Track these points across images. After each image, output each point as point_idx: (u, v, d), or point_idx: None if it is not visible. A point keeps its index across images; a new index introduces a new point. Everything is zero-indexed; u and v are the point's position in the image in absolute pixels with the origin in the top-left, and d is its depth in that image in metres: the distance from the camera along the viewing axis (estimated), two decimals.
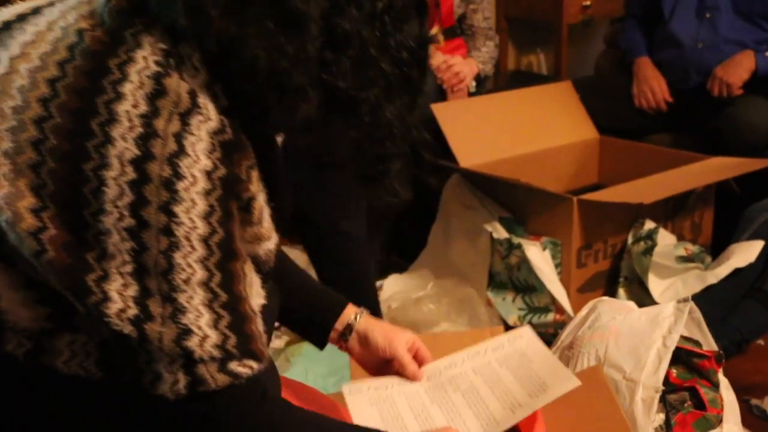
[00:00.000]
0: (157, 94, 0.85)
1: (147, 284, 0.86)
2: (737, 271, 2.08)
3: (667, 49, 2.80)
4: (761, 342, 2.15)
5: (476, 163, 2.45)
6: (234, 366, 0.90)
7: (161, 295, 0.86)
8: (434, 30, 2.90)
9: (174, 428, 0.95)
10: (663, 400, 1.41)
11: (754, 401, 1.88)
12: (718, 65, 2.64)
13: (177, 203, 0.84)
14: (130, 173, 0.83)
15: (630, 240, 2.24)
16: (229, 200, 0.88)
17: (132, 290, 0.85)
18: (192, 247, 0.86)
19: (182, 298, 0.87)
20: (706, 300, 2.02)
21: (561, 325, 2.01)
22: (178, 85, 0.86)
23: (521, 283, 2.19)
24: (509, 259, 2.19)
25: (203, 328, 0.88)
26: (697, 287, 2.08)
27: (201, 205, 0.86)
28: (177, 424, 0.94)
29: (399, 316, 2.17)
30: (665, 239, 2.24)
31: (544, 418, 1.23)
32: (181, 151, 0.84)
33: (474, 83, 2.81)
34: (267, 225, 0.97)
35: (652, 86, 2.76)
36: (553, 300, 2.13)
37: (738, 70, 2.61)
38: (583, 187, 2.64)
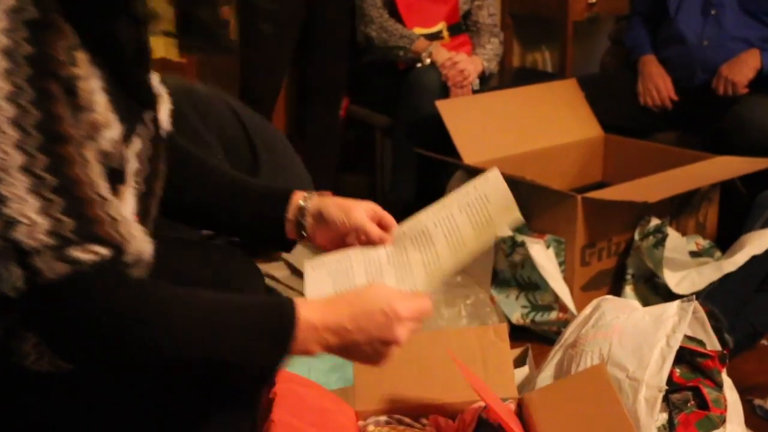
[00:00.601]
0: None
1: None
2: (750, 265, 2.07)
3: (672, 46, 2.79)
4: (765, 342, 2.14)
5: (480, 159, 2.45)
6: (74, 252, 0.86)
7: None
8: (439, 26, 2.90)
9: (28, 328, 0.93)
10: (666, 399, 1.40)
11: (758, 401, 1.87)
12: (724, 64, 2.63)
13: None
14: None
15: (637, 237, 2.23)
16: (43, 80, 0.87)
17: None
18: (2, 131, 0.85)
19: (2, 189, 0.84)
20: (719, 294, 2.03)
21: (564, 324, 2.00)
22: None
23: (525, 280, 2.18)
24: (513, 257, 2.18)
25: (30, 215, 0.85)
26: (714, 276, 2.08)
27: (5, 87, 0.85)
28: (28, 322, 0.92)
29: None
30: (671, 237, 2.23)
31: (547, 416, 1.22)
32: None
33: (477, 80, 2.81)
34: (102, 111, 0.94)
35: (658, 84, 2.75)
36: (557, 298, 2.12)
37: (743, 68, 2.60)
38: (587, 185, 2.63)
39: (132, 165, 1.05)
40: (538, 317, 2.15)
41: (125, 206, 1.00)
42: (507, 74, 3.68)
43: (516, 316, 2.17)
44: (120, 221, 0.91)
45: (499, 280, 2.24)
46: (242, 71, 2.95)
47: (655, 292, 2.20)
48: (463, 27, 2.96)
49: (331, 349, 1.01)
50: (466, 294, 2.14)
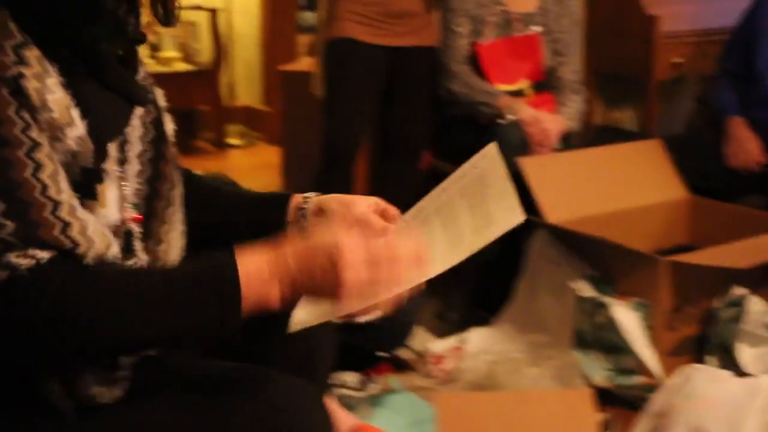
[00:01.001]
0: None
1: None
2: None
3: (760, 107, 2.75)
4: None
5: (563, 218, 2.43)
6: (11, 257, 0.85)
7: None
8: (522, 83, 2.91)
9: None
10: None
11: None
12: None
13: None
14: None
15: (719, 305, 2.18)
16: None
17: None
18: None
19: None
20: None
21: (649, 389, 1.96)
22: None
23: (608, 343, 2.15)
24: (596, 319, 2.16)
25: None
26: None
27: None
28: None
29: (500, 373, 2.14)
30: (756, 306, 2.17)
31: None
32: None
33: (560, 139, 2.80)
34: (60, 109, 0.93)
35: (746, 147, 2.71)
36: (641, 362, 2.08)
37: None
38: (672, 247, 2.59)
39: (133, 167, 1.06)
40: (622, 381, 2.11)
41: (106, 207, 0.99)
42: (589, 132, 3.66)
43: (598, 379, 2.13)
44: (72, 224, 0.90)
45: (581, 341, 2.21)
46: (325, 125, 2.99)
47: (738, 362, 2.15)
48: (546, 84, 2.97)
49: (285, 296, 0.97)
50: (549, 354, 2.12)
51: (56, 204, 0.89)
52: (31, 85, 0.89)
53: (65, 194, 0.92)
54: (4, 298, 0.85)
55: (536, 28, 2.92)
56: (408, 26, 2.90)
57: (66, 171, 0.94)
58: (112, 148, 1.04)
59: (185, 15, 5.54)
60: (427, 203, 1.23)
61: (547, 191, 2.49)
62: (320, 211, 1.23)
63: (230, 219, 1.26)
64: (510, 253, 2.71)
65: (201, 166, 4.47)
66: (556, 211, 2.45)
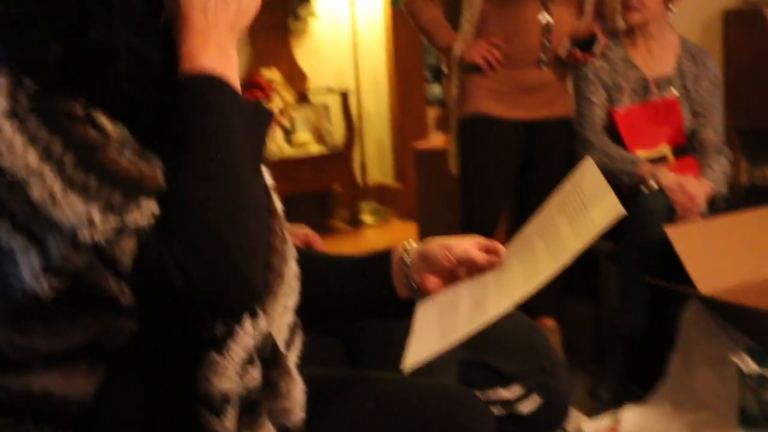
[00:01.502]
0: None
1: (36, 235, 0.88)
2: None
3: None
4: None
5: (716, 288, 2.32)
6: (130, 221, 0.88)
7: (48, 230, 0.88)
8: (663, 148, 2.83)
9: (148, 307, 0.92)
10: None
11: None
12: None
13: None
14: None
15: None
16: (54, 119, 0.90)
17: (33, 252, 0.88)
18: (38, 173, 0.87)
19: (55, 214, 0.87)
20: None
21: None
22: None
23: None
24: (762, 395, 2.03)
25: (79, 212, 0.87)
26: None
27: (19, 139, 0.88)
28: (133, 305, 0.91)
29: None
30: None
31: None
32: None
33: (706, 204, 2.70)
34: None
35: None
36: None
37: None
38: None
39: None
40: None
41: None
42: (736, 194, 3.52)
43: None
44: (145, 167, 0.92)
45: (747, 419, 2.08)
46: (462, 200, 2.99)
47: None
48: (688, 148, 2.88)
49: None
50: None
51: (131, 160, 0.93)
52: (105, 124, 0.93)
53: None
54: (149, 261, 0.89)
55: (674, 91, 2.85)
56: (541, 98, 2.89)
57: None
58: None
59: (317, 99, 5.76)
60: (528, 228, 1.24)
61: (697, 260, 2.39)
62: (422, 257, 1.23)
63: (336, 284, 1.26)
64: (660, 324, 2.61)
65: (336, 246, 4.54)
66: (708, 280, 2.34)
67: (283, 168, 4.64)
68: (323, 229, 4.95)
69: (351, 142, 5.20)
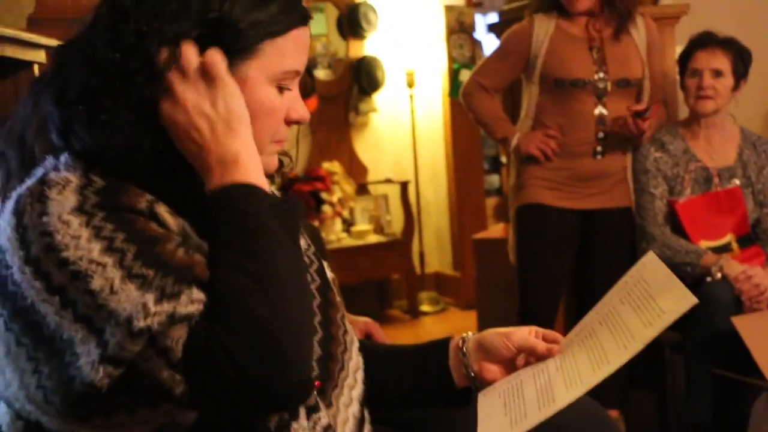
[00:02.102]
0: (15, 204, 0.98)
1: (96, 326, 0.91)
2: None
3: None
4: None
5: None
6: (182, 308, 0.91)
7: (106, 319, 0.90)
8: (727, 238, 2.80)
9: (196, 394, 0.93)
10: None
11: None
12: None
13: (64, 251, 0.92)
14: (29, 270, 0.93)
15: None
16: (119, 214, 0.95)
17: (93, 342, 0.90)
18: (100, 264, 0.92)
19: (113, 303, 0.90)
20: None
21: None
22: (28, 185, 0.99)
23: None
24: None
25: (135, 300, 0.90)
26: None
27: (86, 234, 0.93)
28: (184, 391, 0.92)
29: None
30: None
31: None
32: (45, 214, 0.94)
33: None
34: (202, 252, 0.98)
35: None
36: None
37: None
38: None
39: None
40: None
41: None
42: None
43: None
44: (197, 262, 0.96)
45: None
46: (520, 290, 2.97)
47: None
48: (753, 237, 2.84)
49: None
50: None
51: (186, 255, 0.96)
52: (166, 219, 0.99)
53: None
54: (196, 348, 0.91)
55: (737, 181, 2.83)
56: (599, 188, 2.89)
57: None
58: None
59: (376, 189, 5.82)
60: (589, 319, 1.23)
61: (766, 350, 2.33)
62: (480, 346, 1.24)
63: (395, 375, 1.27)
64: (729, 417, 2.53)
65: (395, 335, 4.52)
66: None
67: (343, 258, 4.67)
68: (382, 318, 4.94)
69: (410, 231, 5.23)
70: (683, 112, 3.06)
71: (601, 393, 3.15)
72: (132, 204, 0.97)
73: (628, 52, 2.85)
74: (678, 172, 2.84)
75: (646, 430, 3.01)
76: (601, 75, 2.82)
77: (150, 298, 0.90)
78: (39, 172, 1.03)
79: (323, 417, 1.07)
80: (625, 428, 2.93)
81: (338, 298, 1.22)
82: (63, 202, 0.95)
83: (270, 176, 1.19)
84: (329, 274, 1.25)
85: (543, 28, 2.87)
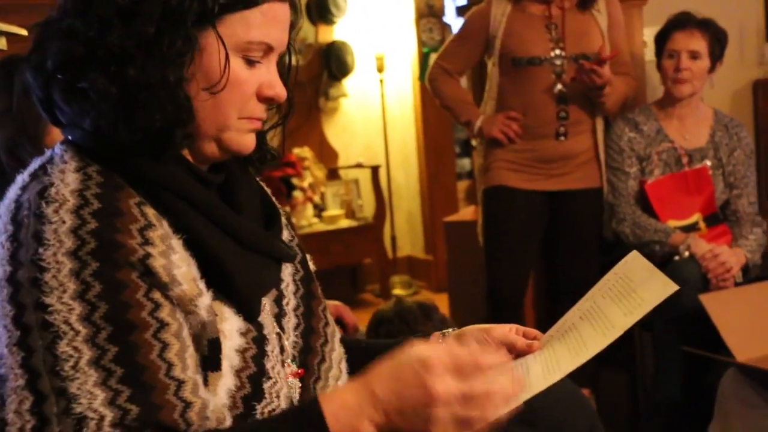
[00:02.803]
0: (14, 211, 0.96)
1: (40, 388, 0.88)
2: None
3: None
4: None
5: (753, 356, 2.29)
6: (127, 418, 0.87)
7: (54, 392, 0.87)
8: (695, 217, 2.83)
9: None
10: None
11: None
12: None
13: (47, 295, 0.89)
14: (7, 290, 0.91)
15: None
16: (111, 271, 0.91)
17: (28, 403, 0.88)
18: (73, 329, 0.89)
19: (74, 387, 0.87)
20: None
21: None
22: (29, 194, 0.96)
23: None
24: None
25: (98, 409, 0.87)
26: None
27: (72, 286, 0.90)
28: None
29: None
30: None
31: None
32: (41, 244, 0.91)
33: (740, 273, 2.68)
34: (187, 282, 0.96)
35: None
36: None
37: None
38: None
39: (291, 320, 1.11)
40: None
41: (222, 384, 0.99)
42: None
43: None
44: (193, 404, 0.92)
45: None
46: (487, 271, 2.99)
47: None
48: (720, 217, 2.87)
49: (379, 424, 0.91)
50: None
51: (180, 383, 0.93)
52: (158, 263, 0.94)
53: (191, 371, 0.95)
54: None
55: (707, 162, 2.85)
56: (564, 169, 2.89)
57: (196, 344, 0.98)
58: (268, 304, 1.11)
59: (347, 174, 5.78)
60: (570, 315, 1.24)
61: (733, 328, 2.36)
62: (460, 341, 1.22)
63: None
64: (697, 394, 2.57)
65: (367, 319, 4.52)
66: (744, 348, 2.32)
67: (315, 243, 4.66)
68: (355, 303, 4.94)
69: (381, 216, 5.23)
70: (658, 93, 3.09)
71: (572, 372, 3.17)
72: (125, 252, 0.92)
73: (587, 27, 2.84)
74: (650, 152, 2.86)
75: (616, 408, 3.05)
76: (558, 52, 2.81)
77: (109, 415, 0.88)
78: (36, 163, 1.01)
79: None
80: (596, 406, 2.96)
81: (322, 310, 1.22)
82: (59, 227, 0.92)
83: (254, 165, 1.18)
84: (312, 266, 1.25)
85: (501, 8, 2.86)
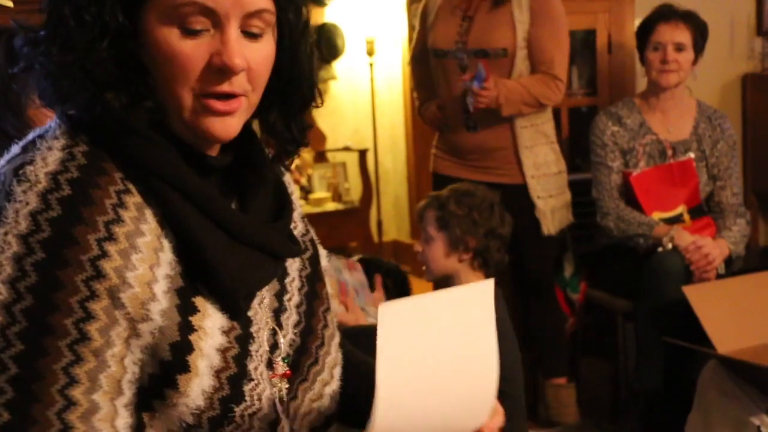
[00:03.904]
0: None
1: None
2: None
3: None
4: None
5: (734, 348, 2.31)
6: None
7: None
8: (679, 209, 2.84)
9: None
10: None
11: None
12: None
13: None
14: None
15: None
16: (54, 266, 0.86)
17: None
18: None
19: None
20: None
21: None
22: (9, 167, 0.92)
23: None
24: None
25: None
26: None
27: (9, 270, 0.86)
28: None
29: None
30: None
31: None
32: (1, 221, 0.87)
33: (723, 264, 2.70)
34: (140, 285, 0.90)
35: None
36: None
37: None
38: None
39: (292, 317, 1.07)
40: None
41: (189, 397, 0.94)
42: (753, 255, 3.50)
43: None
44: (74, 429, 0.87)
45: None
46: None
47: None
48: (705, 209, 2.89)
49: None
50: None
51: (70, 404, 0.87)
52: (110, 264, 0.89)
53: (98, 394, 0.89)
54: None
55: (691, 154, 2.86)
56: (483, 162, 2.86)
57: (153, 352, 0.93)
58: (268, 297, 1.06)
59: (335, 157, 5.76)
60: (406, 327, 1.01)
61: (715, 320, 2.38)
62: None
63: (365, 390, 1.16)
64: (678, 384, 2.59)
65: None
66: (726, 340, 2.33)
67: None
68: None
69: (368, 199, 5.23)
70: (641, 85, 3.09)
71: (546, 362, 3.23)
72: (77, 251, 0.88)
73: (498, 23, 2.75)
74: (634, 145, 2.87)
75: (597, 397, 3.07)
76: (460, 45, 2.78)
77: None
78: (34, 133, 0.97)
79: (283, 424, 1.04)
80: (575, 395, 2.99)
81: (327, 290, 1.17)
82: (20, 208, 0.88)
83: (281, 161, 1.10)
84: (324, 263, 1.19)
85: None
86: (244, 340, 1.00)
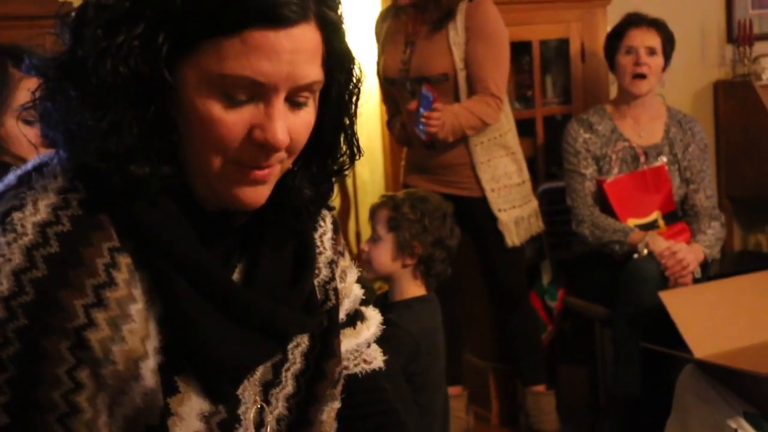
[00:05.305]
0: None
1: None
2: None
3: None
4: None
5: (711, 352, 2.32)
6: None
7: None
8: (654, 215, 2.86)
9: None
10: None
11: None
12: None
13: None
14: None
15: None
16: (38, 334, 0.80)
17: None
18: None
19: None
20: None
21: None
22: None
23: None
24: None
25: None
26: None
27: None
28: None
29: None
30: None
31: None
32: None
33: (699, 269, 2.72)
34: (123, 362, 0.83)
35: None
36: None
37: None
38: None
39: (286, 389, 1.01)
40: None
41: None
42: (728, 259, 3.54)
43: None
44: None
45: None
46: None
47: None
48: (679, 214, 2.91)
49: None
50: None
51: None
52: (96, 336, 0.82)
53: None
54: None
55: (663, 159, 2.89)
56: (445, 176, 2.86)
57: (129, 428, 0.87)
58: (260, 369, 0.99)
59: None
60: None
61: (691, 324, 2.39)
62: None
63: None
64: (656, 389, 2.60)
65: None
66: (703, 345, 2.34)
67: None
68: None
69: (346, 211, 5.23)
70: (615, 92, 3.12)
71: (525, 370, 3.22)
72: (61, 318, 0.81)
73: (436, 48, 2.74)
74: (606, 152, 2.89)
75: (576, 403, 3.08)
76: (403, 74, 2.79)
77: None
78: (37, 160, 0.90)
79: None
80: (555, 402, 2.99)
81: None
82: (2, 266, 0.81)
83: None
84: (342, 316, 1.11)
85: (384, 23, 2.90)
86: (228, 425, 0.94)
